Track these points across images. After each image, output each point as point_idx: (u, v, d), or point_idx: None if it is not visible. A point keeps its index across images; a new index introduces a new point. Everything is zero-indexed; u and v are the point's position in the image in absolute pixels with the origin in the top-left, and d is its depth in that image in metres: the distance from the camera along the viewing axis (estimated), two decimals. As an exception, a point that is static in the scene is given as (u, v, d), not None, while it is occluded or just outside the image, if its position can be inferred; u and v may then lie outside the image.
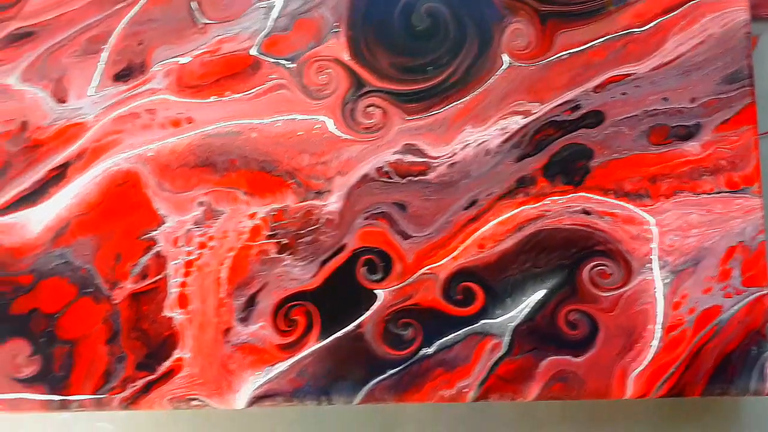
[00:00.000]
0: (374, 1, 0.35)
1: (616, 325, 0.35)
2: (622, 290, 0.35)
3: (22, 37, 0.34)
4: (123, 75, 0.34)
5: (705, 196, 0.36)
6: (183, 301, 0.34)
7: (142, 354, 0.34)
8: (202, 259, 0.34)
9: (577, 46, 0.36)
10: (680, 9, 0.36)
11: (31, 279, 0.34)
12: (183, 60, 0.34)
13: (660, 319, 0.35)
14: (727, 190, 0.36)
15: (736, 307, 0.35)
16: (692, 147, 0.36)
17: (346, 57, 0.35)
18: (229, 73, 0.35)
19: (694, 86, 0.36)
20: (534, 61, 0.36)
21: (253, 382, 0.34)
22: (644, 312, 0.35)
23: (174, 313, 0.34)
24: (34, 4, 0.34)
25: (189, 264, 0.34)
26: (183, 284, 0.34)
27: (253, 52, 0.35)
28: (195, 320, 0.34)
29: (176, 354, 0.34)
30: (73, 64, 0.34)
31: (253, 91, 0.35)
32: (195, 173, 0.34)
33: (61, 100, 0.34)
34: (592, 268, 0.35)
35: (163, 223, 0.34)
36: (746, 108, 0.36)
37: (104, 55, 0.34)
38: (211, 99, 0.34)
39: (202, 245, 0.34)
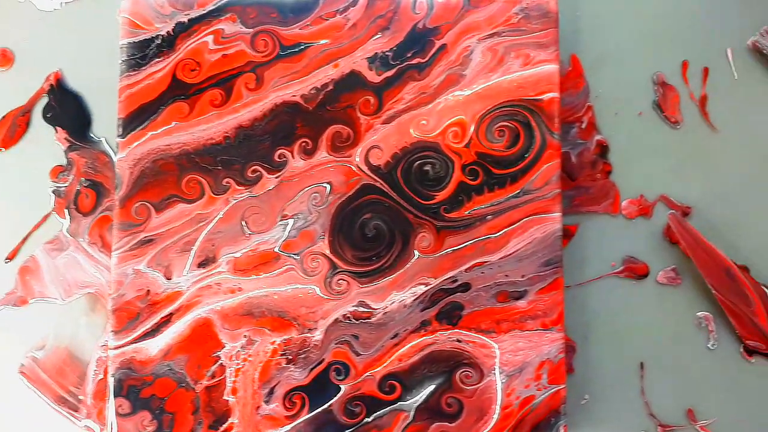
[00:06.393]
0: (346, 221, 0.63)
1: (474, 406, 0.62)
2: (477, 386, 0.62)
3: (148, 242, 0.61)
4: (203, 263, 0.61)
5: (528, 332, 0.63)
6: (234, 390, 0.60)
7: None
8: (244, 367, 0.61)
9: (457, 246, 0.63)
10: (519, 222, 0.64)
11: (151, 378, 0.60)
12: (237, 254, 0.62)
13: (499, 402, 0.62)
14: (542, 328, 0.64)
15: (543, 396, 0.63)
16: (521, 303, 0.63)
17: (327, 251, 0.62)
18: (263, 262, 0.62)
19: (524, 268, 0.64)
20: (432, 254, 0.63)
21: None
22: (490, 399, 0.62)
23: (229, 398, 0.60)
24: (155, 222, 0.61)
25: (237, 371, 0.61)
26: (234, 382, 0.60)
27: (276, 250, 0.62)
28: (240, 402, 0.60)
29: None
30: (175, 257, 0.61)
31: (276, 272, 0.62)
32: (242, 320, 0.61)
33: (168, 278, 0.61)
34: (461, 372, 0.62)
35: (224, 347, 0.61)
36: (556, 281, 0.64)
37: (192, 252, 0.61)
38: (252, 277, 0.61)
39: (245, 359, 0.61)
